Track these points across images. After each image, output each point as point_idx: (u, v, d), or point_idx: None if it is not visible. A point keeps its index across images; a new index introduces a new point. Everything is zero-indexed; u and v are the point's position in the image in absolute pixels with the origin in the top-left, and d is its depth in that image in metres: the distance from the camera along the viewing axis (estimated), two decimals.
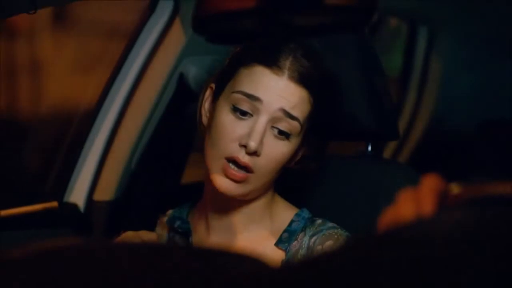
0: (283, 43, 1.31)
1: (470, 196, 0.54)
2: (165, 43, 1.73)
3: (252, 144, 1.27)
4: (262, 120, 1.28)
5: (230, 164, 1.28)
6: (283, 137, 1.30)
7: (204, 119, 1.37)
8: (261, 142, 1.28)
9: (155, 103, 1.75)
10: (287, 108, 1.29)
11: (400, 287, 0.43)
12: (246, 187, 1.30)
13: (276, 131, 1.30)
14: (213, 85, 1.37)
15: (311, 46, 1.33)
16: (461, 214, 0.50)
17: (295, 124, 1.30)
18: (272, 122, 1.29)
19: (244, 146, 1.28)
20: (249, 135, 1.28)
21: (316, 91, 1.32)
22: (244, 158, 1.28)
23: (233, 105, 1.29)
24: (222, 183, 1.29)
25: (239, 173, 1.28)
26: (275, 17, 0.79)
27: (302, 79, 1.29)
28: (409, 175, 1.50)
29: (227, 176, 1.28)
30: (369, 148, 1.61)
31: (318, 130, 1.38)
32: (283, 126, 1.30)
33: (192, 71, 1.73)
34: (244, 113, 1.29)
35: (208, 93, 1.37)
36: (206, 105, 1.37)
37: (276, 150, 1.30)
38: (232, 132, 1.28)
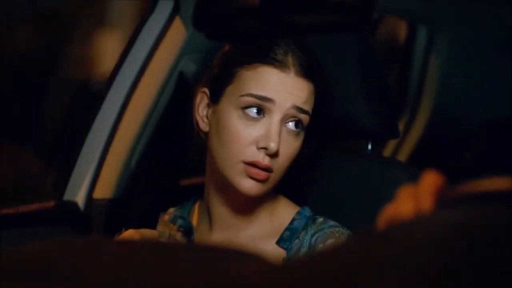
0: (276, 40, 1.30)
1: (468, 193, 0.54)
2: (165, 41, 1.73)
3: (273, 146, 1.27)
4: (276, 120, 1.28)
5: (250, 166, 1.28)
6: (295, 132, 1.30)
7: (203, 125, 1.35)
8: (279, 142, 1.28)
9: (155, 101, 1.75)
10: (299, 104, 1.29)
11: (398, 284, 0.43)
12: (267, 185, 1.30)
13: (289, 127, 1.30)
14: (205, 90, 1.35)
15: (299, 39, 1.33)
16: (458, 212, 0.50)
17: (306, 117, 1.31)
18: (285, 120, 1.30)
19: (264, 148, 1.28)
20: (266, 137, 1.27)
21: (318, 81, 1.32)
22: (264, 160, 1.28)
23: (244, 109, 1.29)
24: (247, 184, 1.28)
25: (263, 173, 1.28)
26: (275, 15, 0.79)
27: (306, 73, 1.30)
28: (408, 173, 1.50)
29: (251, 177, 1.28)
30: (369, 147, 1.61)
31: (319, 125, 1.38)
32: (296, 121, 1.30)
33: (192, 69, 1.73)
34: (256, 115, 1.29)
35: (200, 98, 1.36)
36: (200, 110, 1.36)
37: (291, 146, 1.30)
38: (247, 136, 1.28)
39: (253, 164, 1.27)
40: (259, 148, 1.28)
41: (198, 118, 1.36)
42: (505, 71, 2.64)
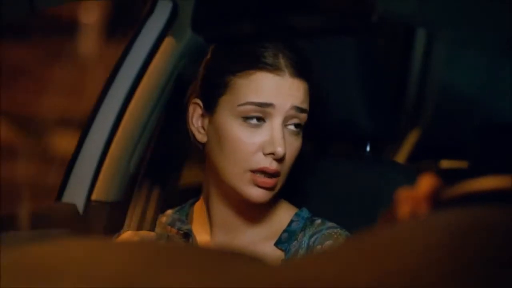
0: (265, 43, 1.30)
1: (463, 193, 0.54)
2: (164, 44, 1.73)
3: (280, 150, 1.27)
4: (277, 123, 1.28)
5: (258, 174, 1.28)
6: (296, 132, 1.31)
7: (199, 136, 1.34)
8: (285, 145, 1.28)
9: (154, 103, 1.75)
10: (298, 104, 1.29)
11: (393, 286, 0.43)
12: (275, 190, 1.31)
13: (290, 128, 1.30)
14: (197, 101, 1.34)
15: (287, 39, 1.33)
16: (453, 213, 0.50)
17: (304, 116, 1.31)
18: (286, 121, 1.30)
19: (271, 154, 1.27)
20: (271, 142, 1.27)
21: (311, 79, 1.33)
22: (272, 165, 1.27)
23: (244, 117, 1.28)
24: (255, 193, 1.28)
25: (270, 180, 1.28)
26: (274, 19, 0.79)
27: (300, 72, 1.30)
28: (407, 174, 1.50)
29: (259, 186, 1.28)
30: (368, 149, 1.61)
31: (318, 126, 1.38)
32: (296, 121, 1.30)
33: (191, 72, 1.73)
34: (257, 122, 1.28)
35: (192, 109, 1.35)
36: (194, 121, 1.35)
37: (294, 147, 1.31)
38: (251, 144, 1.28)
39: (261, 171, 1.27)
40: (266, 154, 1.28)
41: (193, 129, 1.35)
42: (505, 74, 2.64)
